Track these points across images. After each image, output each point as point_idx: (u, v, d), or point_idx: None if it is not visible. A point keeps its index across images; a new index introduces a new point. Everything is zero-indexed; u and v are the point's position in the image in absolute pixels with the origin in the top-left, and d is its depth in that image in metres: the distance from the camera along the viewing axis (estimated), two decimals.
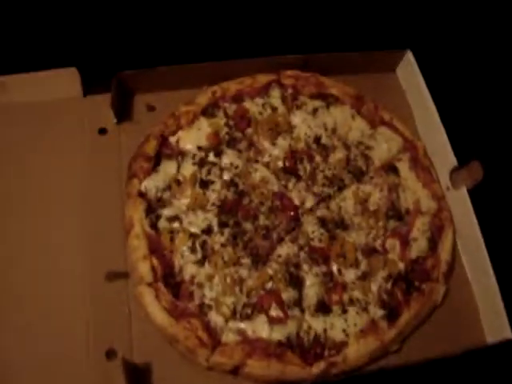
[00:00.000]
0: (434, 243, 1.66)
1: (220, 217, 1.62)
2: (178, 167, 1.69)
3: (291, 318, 1.50)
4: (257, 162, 1.73)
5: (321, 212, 1.68)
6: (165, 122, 1.75)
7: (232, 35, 2.16)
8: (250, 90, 1.82)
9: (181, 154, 1.71)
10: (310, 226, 1.65)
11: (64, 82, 1.78)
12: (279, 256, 1.60)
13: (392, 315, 1.54)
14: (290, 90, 1.84)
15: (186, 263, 1.55)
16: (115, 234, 1.61)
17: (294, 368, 1.44)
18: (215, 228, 1.61)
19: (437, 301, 1.61)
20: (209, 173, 1.68)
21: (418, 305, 1.56)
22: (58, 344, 1.47)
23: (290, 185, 1.71)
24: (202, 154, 1.71)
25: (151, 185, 1.64)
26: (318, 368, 1.45)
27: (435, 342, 1.57)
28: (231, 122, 1.77)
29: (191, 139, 1.73)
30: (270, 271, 1.57)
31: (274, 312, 1.51)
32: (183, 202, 1.64)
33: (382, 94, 1.92)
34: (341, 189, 1.72)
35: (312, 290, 1.56)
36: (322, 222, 1.66)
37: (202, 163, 1.69)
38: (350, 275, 1.60)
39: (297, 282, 1.56)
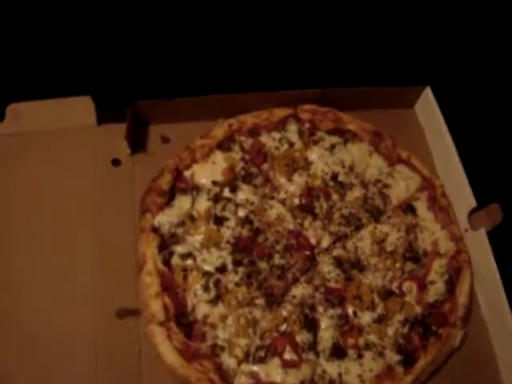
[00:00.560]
0: (451, 286, 1.63)
1: (234, 255, 1.60)
2: (193, 202, 1.66)
3: (305, 362, 1.47)
4: (272, 198, 1.71)
5: (337, 252, 1.65)
6: (179, 155, 1.73)
7: (250, 68, 2.15)
8: (266, 123, 1.81)
9: (195, 189, 1.69)
10: (326, 267, 1.62)
11: (78, 110, 1.77)
12: (294, 297, 1.57)
13: (408, 360, 1.51)
14: (307, 125, 1.82)
15: (199, 302, 1.53)
16: (127, 270, 1.58)
17: None
18: (229, 266, 1.58)
19: (454, 346, 1.58)
20: (224, 209, 1.66)
21: (435, 350, 1.53)
22: (65, 379, 1.45)
23: (306, 223, 1.68)
24: (217, 189, 1.69)
25: (165, 220, 1.62)
26: None
27: None
28: (247, 157, 1.76)
29: (206, 174, 1.72)
30: (285, 313, 1.54)
31: (288, 355, 1.48)
32: (197, 238, 1.61)
33: (400, 130, 1.90)
34: (358, 228, 1.69)
35: (327, 333, 1.53)
36: (338, 262, 1.63)
37: (216, 199, 1.67)
38: (365, 318, 1.57)
39: (312, 325, 1.53)
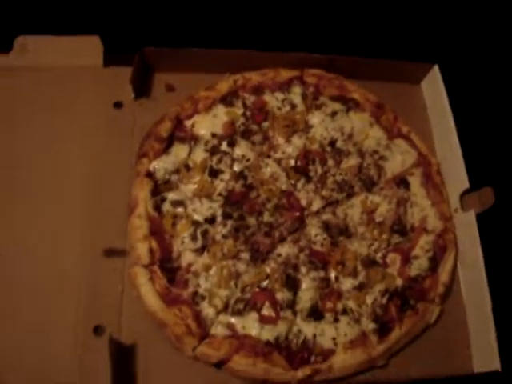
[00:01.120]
0: (435, 263, 1.66)
1: (225, 208, 1.62)
2: (190, 152, 1.69)
3: (282, 320, 1.51)
4: (269, 157, 1.73)
5: (326, 216, 1.68)
6: (182, 104, 1.75)
7: (261, 27, 2.17)
8: (271, 83, 1.82)
9: (194, 139, 1.71)
10: (314, 229, 1.65)
11: (86, 49, 1.78)
12: (279, 255, 1.60)
13: (383, 330, 1.54)
14: (311, 89, 1.83)
15: (185, 250, 1.56)
16: (119, 211, 1.61)
17: (279, 370, 1.45)
18: (219, 218, 1.61)
19: (430, 321, 1.61)
20: (219, 162, 1.68)
21: (411, 323, 1.56)
22: (48, 311, 1.49)
23: (299, 185, 1.71)
24: (215, 141, 1.72)
25: (160, 166, 1.65)
26: (302, 373, 1.46)
27: (422, 362, 1.57)
28: (248, 113, 1.77)
29: (206, 125, 1.74)
30: (268, 269, 1.58)
31: (267, 311, 1.52)
32: (190, 187, 1.64)
33: (403, 105, 1.91)
34: (349, 196, 1.72)
35: (307, 294, 1.56)
36: (326, 226, 1.66)
37: (213, 151, 1.70)
38: (346, 284, 1.60)
39: (293, 284, 1.56)
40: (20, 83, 1.75)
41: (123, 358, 1.45)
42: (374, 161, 1.77)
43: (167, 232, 1.57)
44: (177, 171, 1.65)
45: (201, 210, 1.61)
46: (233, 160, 1.69)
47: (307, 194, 1.69)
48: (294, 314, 1.53)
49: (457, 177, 1.73)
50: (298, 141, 1.75)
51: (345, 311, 1.56)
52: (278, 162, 1.73)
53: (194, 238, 1.57)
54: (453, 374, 1.55)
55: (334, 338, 1.51)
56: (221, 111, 1.75)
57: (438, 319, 1.62)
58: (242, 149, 1.71)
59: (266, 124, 1.77)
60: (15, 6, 2.06)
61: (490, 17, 2.30)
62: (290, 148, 1.74)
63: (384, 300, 1.58)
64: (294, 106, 1.80)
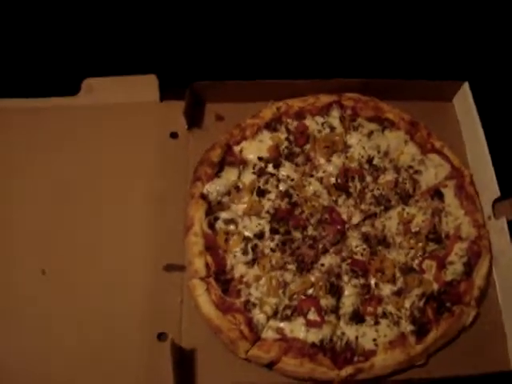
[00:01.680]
0: (469, 268, 1.73)
1: (272, 224, 1.76)
2: (239, 175, 1.84)
3: (327, 323, 1.63)
4: (311, 176, 1.86)
5: (366, 228, 1.79)
6: (231, 131, 1.91)
7: (301, 57, 2.30)
8: (312, 108, 1.95)
9: (243, 163, 1.86)
10: (354, 241, 1.77)
11: (144, 87, 1.96)
12: (322, 265, 1.73)
13: (421, 331, 1.64)
14: (349, 112, 1.95)
15: (237, 263, 1.71)
16: (177, 230, 1.78)
17: (324, 369, 1.57)
18: (267, 234, 1.75)
19: (466, 323, 1.68)
20: (266, 182, 1.83)
21: (447, 325, 1.65)
22: (114, 321, 1.67)
23: (340, 200, 1.83)
24: (262, 164, 1.86)
25: (213, 189, 1.80)
26: (345, 372, 1.58)
27: (460, 361, 1.65)
28: (291, 137, 1.91)
29: (253, 150, 1.89)
30: (313, 278, 1.71)
31: (312, 316, 1.64)
32: (240, 207, 1.79)
33: (436, 121, 2.00)
34: (387, 209, 1.82)
35: (349, 299, 1.68)
36: (366, 237, 1.78)
37: (261, 173, 1.84)
38: (386, 290, 1.71)
39: (336, 291, 1.68)
40: (88, 120, 1.95)
41: (184, 361, 1.60)
42: (409, 175, 1.86)
43: (221, 247, 1.73)
44: (228, 193, 1.80)
45: (250, 226, 1.75)
46: (278, 180, 1.83)
47: (347, 208, 1.81)
48: (338, 318, 1.65)
49: (489, 186, 1.81)
50: (337, 160, 1.88)
51: (384, 314, 1.66)
52: (320, 180, 1.85)
53: (245, 252, 1.71)
54: (490, 371, 1.62)
55: (374, 340, 1.62)
56: (266, 136, 1.89)
57: (474, 321, 1.69)
58: (286, 170, 1.85)
59: (307, 146, 1.90)
60: (80, 52, 2.27)
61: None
62: (330, 167, 1.87)
63: (421, 303, 1.67)
64: (333, 129, 1.92)
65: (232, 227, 1.76)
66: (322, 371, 1.57)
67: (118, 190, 1.84)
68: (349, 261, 1.74)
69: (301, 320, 1.64)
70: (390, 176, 1.87)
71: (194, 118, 1.96)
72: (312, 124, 1.93)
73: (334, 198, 1.83)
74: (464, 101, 1.98)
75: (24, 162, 1.89)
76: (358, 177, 1.86)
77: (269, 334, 1.63)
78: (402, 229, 1.80)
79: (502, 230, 1.75)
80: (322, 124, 1.93)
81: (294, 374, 1.59)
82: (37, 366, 1.62)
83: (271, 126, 1.92)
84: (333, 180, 1.86)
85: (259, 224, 1.77)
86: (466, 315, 1.69)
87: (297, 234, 1.77)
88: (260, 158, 1.87)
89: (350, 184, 1.86)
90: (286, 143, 1.90)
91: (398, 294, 1.70)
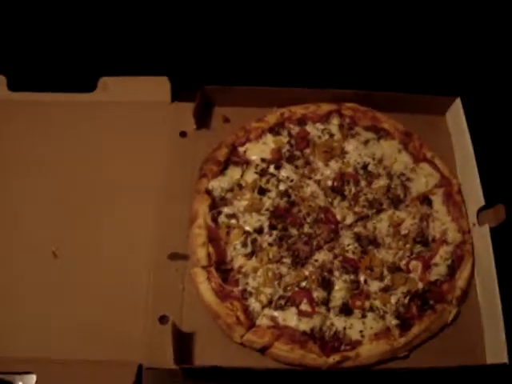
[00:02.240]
0: (452, 270, 1.83)
1: (271, 220, 1.88)
2: (242, 173, 1.96)
3: (317, 314, 1.74)
4: (310, 178, 1.98)
5: (358, 229, 1.90)
6: (237, 133, 2.03)
7: (305, 66, 2.42)
8: (313, 115, 2.07)
9: (246, 163, 1.98)
10: (347, 240, 1.88)
11: (157, 87, 2.09)
12: (316, 261, 1.83)
13: (405, 326, 1.74)
14: (347, 120, 2.07)
15: (237, 255, 1.83)
16: (182, 222, 1.89)
17: (313, 356, 1.67)
18: (265, 229, 1.87)
19: (447, 320, 1.78)
20: (267, 182, 1.94)
21: (429, 321, 1.75)
22: (120, 303, 1.78)
23: (335, 202, 1.94)
24: (264, 165, 1.98)
25: (217, 185, 1.92)
26: (333, 359, 1.67)
27: (440, 355, 1.75)
28: (293, 141, 2.03)
29: (257, 151, 2.01)
30: (306, 272, 1.81)
31: (304, 307, 1.75)
32: (242, 203, 1.91)
33: (429, 133, 2.10)
34: (378, 212, 1.93)
35: (339, 293, 1.78)
36: (358, 237, 1.88)
37: (263, 173, 1.96)
38: (374, 286, 1.81)
39: (327, 285, 1.79)
40: (103, 115, 2.07)
41: (183, 343, 1.70)
42: (401, 182, 1.97)
43: (222, 239, 1.84)
44: (231, 190, 1.92)
45: (251, 221, 1.87)
46: (278, 181, 1.95)
47: (342, 210, 1.92)
48: (328, 309, 1.75)
49: (474, 195, 1.90)
50: (334, 165, 1.99)
51: (371, 309, 1.76)
52: (318, 182, 1.97)
53: (244, 244, 1.83)
54: (467, 364, 1.72)
55: (361, 331, 1.72)
56: (269, 139, 2.02)
57: (455, 319, 1.79)
58: (286, 171, 1.96)
59: (307, 150, 2.02)
60: (98, 51, 2.40)
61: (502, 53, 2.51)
62: (327, 171, 1.98)
63: (406, 300, 1.77)
64: (332, 135, 2.04)
65: (233, 221, 1.87)
66: (311, 357, 1.67)
67: (129, 183, 1.96)
68: (341, 258, 1.84)
69: (293, 310, 1.74)
70: (383, 182, 1.97)
71: (203, 119, 2.08)
72: (313, 130, 2.05)
73: (329, 200, 1.94)
74: (456, 115, 2.08)
75: (40, 151, 2.02)
76: (353, 181, 1.97)
77: (263, 321, 1.73)
78: (391, 231, 1.90)
79: (484, 236, 1.84)
80: (322, 130, 2.05)
81: (285, 360, 1.69)
82: (39, 346, 1.72)
83: (275, 130, 2.04)
84: (329, 183, 1.97)
85: (259, 220, 1.88)
86: (447, 313, 1.78)
87: (293, 231, 1.87)
88: (263, 159, 1.99)
89: (346, 187, 1.96)
90: (287, 147, 2.02)
91: (385, 290, 1.80)
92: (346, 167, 2.00)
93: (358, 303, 1.77)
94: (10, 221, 1.91)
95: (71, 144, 2.03)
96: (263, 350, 1.71)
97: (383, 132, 2.05)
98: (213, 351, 1.73)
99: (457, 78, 2.38)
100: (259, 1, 2.58)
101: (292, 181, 1.96)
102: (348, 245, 1.87)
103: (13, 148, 2.03)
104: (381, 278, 1.83)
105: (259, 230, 1.86)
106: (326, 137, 2.04)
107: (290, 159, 2.00)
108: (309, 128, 2.06)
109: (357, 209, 1.93)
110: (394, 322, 1.75)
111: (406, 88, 2.11)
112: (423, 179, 1.99)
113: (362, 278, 1.83)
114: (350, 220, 1.92)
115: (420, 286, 1.82)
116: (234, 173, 1.96)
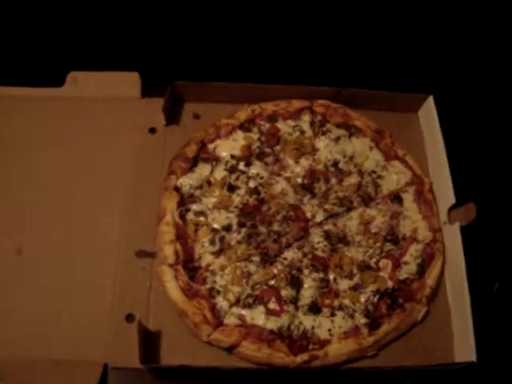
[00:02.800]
0: (422, 269, 1.84)
1: (240, 218, 1.86)
2: (212, 170, 1.94)
3: (286, 313, 1.73)
4: (279, 175, 1.97)
5: (328, 227, 1.90)
6: (206, 130, 2.01)
7: (277, 63, 2.41)
8: (284, 112, 2.06)
9: (216, 160, 1.96)
10: (316, 238, 1.87)
11: (126, 83, 2.06)
12: (285, 259, 1.83)
13: (374, 325, 1.73)
14: (319, 117, 2.06)
15: (205, 253, 1.81)
16: (150, 219, 1.87)
17: (281, 355, 1.66)
18: (234, 227, 1.85)
19: (416, 319, 1.78)
20: (237, 179, 1.93)
21: (399, 320, 1.75)
22: (86, 301, 1.75)
23: (305, 200, 1.93)
24: (234, 162, 1.96)
25: (186, 182, 1.90)
26: (301, 358, 1.66)
27: (409, 354, 1.75)
28: (263, 138, 2.02)
29: (227, 148, 1.99)
30: (275, 270, 1.80)
31: (272, 305, 1.74)
32: (211, 200, 1.89)
33: (401, 131, 2.11)
34: (349, 209, 1.93)
35: (308, 292, 1.78)
36: (327, 235, 1.88)
37: (232, 170, 1.94)
38: (343, 285, 1.80)
39: (296, 283, 1.78)
40: (71, 111, 2.04)
41: (150, 342, 1.68)
42: (372, 179, 1.97)
43: (190, 237, 1.82)
44: (200, 186, 1.90)
45: (219, 219, 1.85)
46: (248, 178, 1.93)
47: (312, 207, 1.92)
48: (296, 308, 1.75)
49: (445, 194, 1.91)
50: (305, 162, 1.98)
51: (340, 307, 1.76)
52: (288, 180, 1.96)
53: (212, 242, 1.81)
54: (436, 363, 1.71)
55: (329, 330, 1.71)
56: (239, 136, 2.00)
57: (425, 318, 1.79)
58: (256, 168, 1.95)
59: (278, 147, 2.01)
60: (67, 46, 2.37)
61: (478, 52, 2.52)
62: (298, 168, 1.98)
63: (375, 299, 1.77)
64: (303, 132, 2.03)
65: (202, 219, 1.86)
66: (279, 357, 1.66)
67: (96, 179, 1.93)
68: (310, 256, 1.84)
69: (261, 308, 1.73)
70: (353, 179, 1.97)
71: (173, 116, 2.06)
72: (284, 127, 2.04)
73: (299, 197, 1.94)
74: (428, 113, 2.09)
75: (7, 146, 1.99)
76: (324, 178, 1.97)
77: (230, 320, 1.71)
78: (361, 229, 1.90)
79: (455, 234, 1.85)
80: (293, 127, 2.04)
81: (253, 359, 1.68)
82: (1, 345, 1.70)
83: (245, 126, 2.03)
84: (299, 180, 1.96)
85: (227, 217, 1.86)
86: (416, 312, 1.78)
87: (262, 229, 1.86)
88: (232, 156, 1.97)
89: (316, 185, 1.96)
90: (257, 143, 2.01)
91: (355, 288, 1.80)
92: (317, 164, 1.99)
93: (327, 302, 1.77)
94: None
95: (37, 139, 1.99)
96: (230, 349, 1.70)
97: (355, 129, 2.05)
98: (180, 350, 1.72)
99: (430, 76, 2.39)
100: None
101: (262, 178, 1.95)
102: (318, 243, 1.87)
103: None
104: (350, 277, 1.82)
105: (228, 228, 1.85)
106: (297, 134, 2.03)
107: (260, 156, 1.99)
108: (279, 125, 2.05)
109: (327, 206, 1.93)
110: (363, 320, 1.75)
111: (379, 85, 2.10)
112: (394, 177, 1.99)
113: (331, 277, 1.82)
114: (319, 218, 1.91)
115: (390, 284, 1.82)
116: (203, 170, 1.94)
